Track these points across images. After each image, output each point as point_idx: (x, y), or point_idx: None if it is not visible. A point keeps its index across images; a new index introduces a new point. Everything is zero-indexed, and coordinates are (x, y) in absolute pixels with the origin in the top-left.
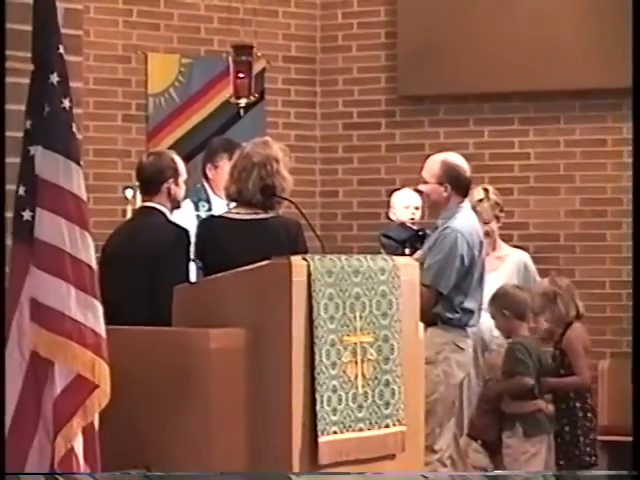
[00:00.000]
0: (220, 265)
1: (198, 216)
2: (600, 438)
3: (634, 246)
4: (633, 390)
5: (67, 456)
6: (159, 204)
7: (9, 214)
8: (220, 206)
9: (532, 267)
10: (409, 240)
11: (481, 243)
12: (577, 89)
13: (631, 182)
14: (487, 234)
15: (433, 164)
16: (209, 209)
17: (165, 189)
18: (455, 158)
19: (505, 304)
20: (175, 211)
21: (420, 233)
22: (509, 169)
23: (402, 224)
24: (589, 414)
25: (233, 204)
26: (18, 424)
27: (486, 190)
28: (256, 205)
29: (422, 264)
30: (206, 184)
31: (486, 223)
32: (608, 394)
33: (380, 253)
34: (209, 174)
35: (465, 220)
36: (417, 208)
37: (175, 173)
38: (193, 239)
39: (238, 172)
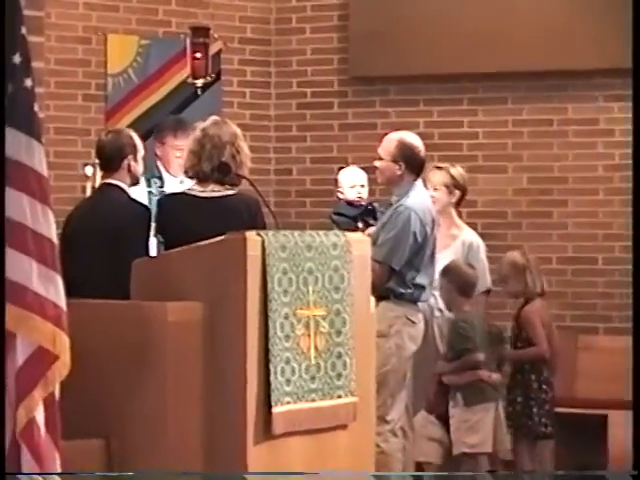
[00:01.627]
0: (181, 241)
1: (150, 192)
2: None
3: (634, 243)
4: (633, 391)
5: (29, 426)
6: (119, 180)
7: None
8: (171, 183)
9: (481, 248)
10: (360, 215)
11: (433, 221)
12: (524, 71)
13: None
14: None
15: (389, 142)
16: (161, 186)
17: (125, 165)
18: (411, 137)
19: (453, 278)
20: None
21: (370, 207)
22: (458, 148)
23: (351, 202)
24: (544, 386)
25: (188, 181)
26: None
27: (447, 168)
28: (215, 182)
29: (375, 240)
30: (158, 162)
31: (435, 190)
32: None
33: (332, 229)
34: (158, 152)
35: (418, 198)
36: (363, 186)
37: (134, 150)
38: (154, 215)
39: (199, 150)
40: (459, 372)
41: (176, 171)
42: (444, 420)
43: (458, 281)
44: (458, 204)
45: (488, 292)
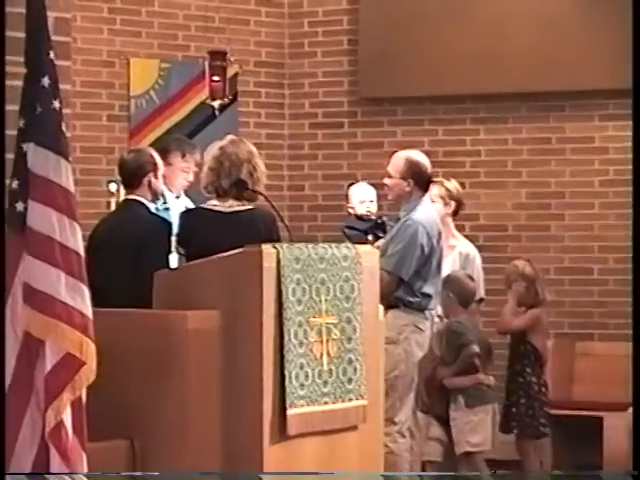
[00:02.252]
0: (201, 253)
1: (156, 208)
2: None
3: (634, 246)
4: (633, 392)
5: (57, 427)
6: (141, 196)
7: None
8: (172, 200)
9: (477, 259)
10: (370, 229)
11: (439, 233)
12: (523, 92)
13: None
14: None
15: (398, 160)
16: (164, 202)
17: (146, 182)
18: (418, 156)
19: (454, 289)
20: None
21: (379, 221)
22: (461, 165)
23: (360, 217)
24: (543, 388)
25: (184, 198)
26: (12, 398)
27: (441, 181)
28: (233, 198)
29: (384, 252)
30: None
31: (432, 202)
32: (551, 371)
33: (343, 242)
34: (164, 170)
35: (425, 212)
36: (372, 201)
37: (154, 167)
38: (174, 229)
39: (217, 168)
40: (459, 374)
41: (178, 189)
42: (443, 421)
43: (459, 292)
44: (454, 215)
45: (481, 301)
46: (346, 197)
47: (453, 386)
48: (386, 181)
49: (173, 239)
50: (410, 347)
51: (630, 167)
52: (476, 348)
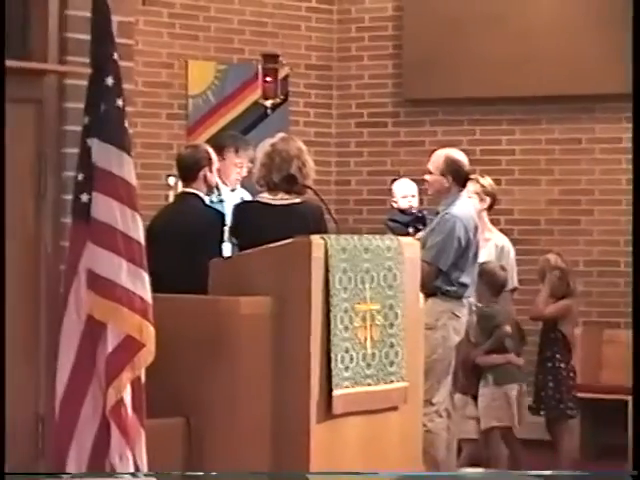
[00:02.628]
0: (253, 243)
1: (211, 201)
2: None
3: (634, 243)
4: (633, 393)
5: (117, 405)
6: (197, 189)
7: (68, 197)
8: (226, 192)
9: (511, 251)
10: (411, 222)
11: (476, 227)
12: (555, 95)
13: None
14: None
15: (438, 158)
16: (219, 194)
17: (201, 176)
18: (457, 154)
19: (487, 279)
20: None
21: (420, 215)
22: (497, 163)
23: (403, 210)
24: (571, 373)
25: (240, 190)
26: (74, 378)
27: (477, 178)
28: (284, 191)
29: (424, 244)
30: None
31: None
32: (580, 357)
33: (386, 234)
34: (218, 164)
35: (463, 207)
36: (414, 196)
37: (209, 162)
38: (228, 220)
39: (269, 163)
40: (490, 353)
41: (232, 183)
42: (474, 398)
43: (491, 282)
44: (489, 209)
45: (514, 290)
46: (389, 192)
47: (485, 363)
48: (426, 177)
49: (226, 230)
50: (447, 333)
51: None
52: (508, 328)
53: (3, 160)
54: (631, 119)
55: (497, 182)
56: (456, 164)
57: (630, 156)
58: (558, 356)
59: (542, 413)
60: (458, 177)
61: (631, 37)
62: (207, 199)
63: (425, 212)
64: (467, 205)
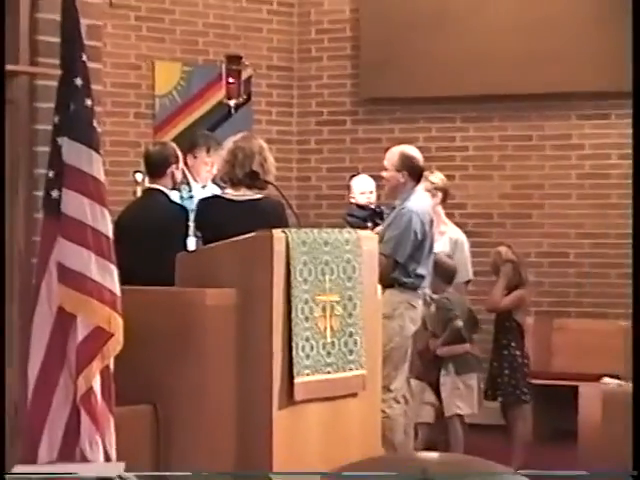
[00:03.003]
0: (217, 237)
1: (181, 197)
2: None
3: (634, 243)
4: (633, 392)
5: (87, 393)
6: (163, 186)
7: (39, 193)
8: (196, 188)
9: (465, 243)
10: (369, 216)
11: (431, 221)
12: (507, 94)
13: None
14: None
15: (393, 155)
16: (189, 191)
17: (169, 173)
18: (411, 150)
19: (436, 269)
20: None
21: (378, 210)
22: (452, 159)
23: (361, 206)
24: (525, 360)
25: (211, 186)
26: (46, 368)
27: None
28: (246, 187)
29: (382, 238)
30: (186, 171)
31: None
32: (532, 345)
33: (345, 227)
34: (189, 162)
35: (418, 202)
36: (371, 192)
37: (177, 160)
38: (193, 215)
39: (232, 160)
40: (448, 344)
41: (203, 180)
42: (434, 386)
43: (441, 270)
44: (443, 202)
45: (468, 282)
46: (348, 188)
47: (445, 354)
48: (383, 174)
49: (191, 224)
50: (404, 322)
51: (606, 162)
52: (460, 323)
53: (3, 159)
54: (610, 116)
55: (451, 177)
56: (410, 160)
57: (580, 152)
58: (513, 344)
59: (499, 399)
60: (413, 172)
61: (629, 37)
62: (173, 195)
63: (383, 207)
64: (423, 199)
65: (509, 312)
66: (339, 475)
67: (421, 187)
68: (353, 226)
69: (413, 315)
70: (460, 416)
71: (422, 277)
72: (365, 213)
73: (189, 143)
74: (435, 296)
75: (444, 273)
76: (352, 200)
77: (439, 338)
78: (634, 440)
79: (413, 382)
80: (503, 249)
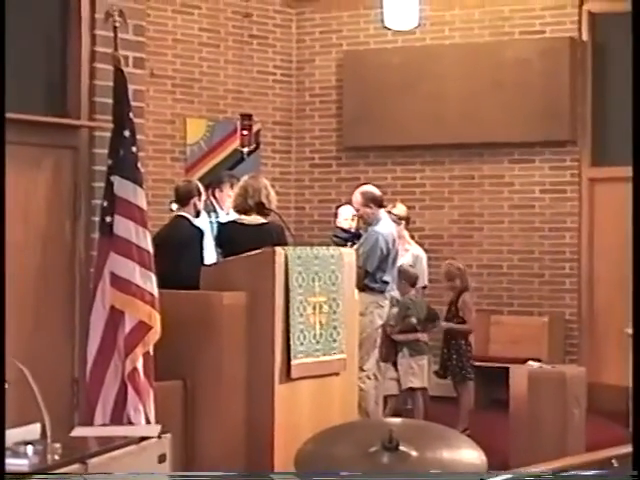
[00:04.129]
0: (233, 252)
1: (210, 222)
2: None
3: (634, 253)
4: (633, 392)
5: (132, 372)
6: (187, 212)
7: (96, 218)
8: (222, 215)
9: (423, 258)
10: (350, 238)
11: (394, 240)
12: (455, 142)
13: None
14: None
15: (357, 197)
16: (217, 217)
17: (192, 203)
18: (368, 188)
19: (403, 275)
20: (197, 218)
21: (356, 233)
22: (412, 193)
23: (344, 229)
24: (469, 347)
25: (232, 213)
26: (101, 352)
27: (390, 210)
28: (255, 214)
29: (358, 252)
30: (214, 201)
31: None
32: (474, 336)
33: (331, 245)
34: (216, 194)
35: (383, 226)
36: (352, 219)
37: (199, 193)
38: (215, 235)
39: (244, 193)
40: (404, 333)
41: (226, 208)
42: (395, 366)
43: (406, 277)
44: (407, 227)
45: (425, 287)
46: (335, 215)
47: (399, 340)
48: (355, 213)
49: (213, 242)
50: (373, 318)
51: (530, 195)
52: (414, 319)
53: (3, 169)
54: (534, 161)
55: (412, 207)
56: (372, 194)
57: (511, 188)
58: (460, 335)
59: (448, 378)
60: (376, 202)
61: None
62: (195, 220)
63: (361, 231)
64: (387, 224)
65: (457, 310)
66: (356, 476)
67: (384, 214)
68: (337, 244)
69: (380, 312)
70: (423, 390)
71: (387, 283)
72: (347, 235)
73: (216, 180)
74: (400, 298)
75: (408, 279)
76: (338, 224)
77: (396, 327)
78: (634, 440)
79: (381, 364)
80: (454, 262)
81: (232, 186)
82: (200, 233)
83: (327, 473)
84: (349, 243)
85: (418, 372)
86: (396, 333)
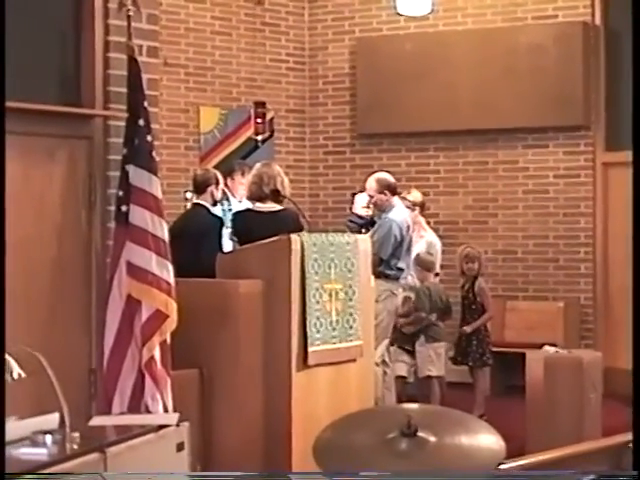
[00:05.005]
0: (249, 240)
1: (223, 210)
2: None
3: (634, 246)
4: (633, 392)
5: (149, 360)
6: (204, 201)
7: (112, 207)
8: (235, 203)
9: (437, 244)
10: (365, 224)
11: (408, 227)
12: (469, 129)
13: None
14: None
15: (371, 184)
16: (229, 205)
17: (209, 192)
18: (382, 175)
19: (420, 262)
20: (215, 207)
21: (372, 220)
22: (427, 180)
23: (360, 216)
24: (488, 333)
25: (245, 201)
26: (118, 341)
27: (404, 197)
28: (270, 202)
29: (372, 240)
30: (226, 189)
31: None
32: (490, 321)
33: (346, 232)
34: (229, 183)
35: (397, 213)
36: (368, 207)
37: (216, 182)
38: (231, 224)
39: (259, 181)
40: (414, 325)
41: (239, 196)
42: (408, 352)
43: (424, 264)
44: (422, 213)
45: (437, 274)
46: (351, 202)
47: (409, 332)
48: (371, 199)
49: (229, 231)
50: (387, 305)
51: (544, 180)
52: (423, 314)
53: (3, 164)
54: (548, 146)
55: (427, 194)
56: (386, 181)
57: (525, 173)
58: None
59: (469, 364)
60: (390, 189)
61: (563, 83)
62: (215, 208)
63: (376, 217)
64: (401, 211)
65: (474, 297)
66: (377, 476)
67: (398, 201)
68: (352, 230)
69: (395, 300)
70: (439, 377)
71: (402, 269)
72: (362, 221)
73: (228, 169)
74: (419, 285)
75: (425, 265)
76: (354, 211)
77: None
78: (634, 440)
79: (392, 349)
80: (469, 248)
81: (243, 174)
82: (219, 221)
83: (345, 473)
84: (363, 229)
85: (436, 360)
86: (407, 325)
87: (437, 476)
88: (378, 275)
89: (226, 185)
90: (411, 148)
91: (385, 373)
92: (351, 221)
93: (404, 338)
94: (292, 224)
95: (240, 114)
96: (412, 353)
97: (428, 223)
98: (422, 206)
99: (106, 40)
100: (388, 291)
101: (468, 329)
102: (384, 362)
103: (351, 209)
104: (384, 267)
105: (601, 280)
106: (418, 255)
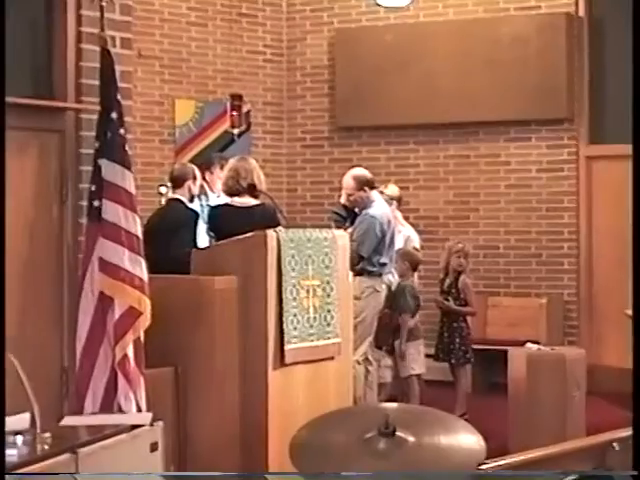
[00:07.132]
0: (225, 236)
1: (201, 205)
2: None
3: (634, 247)
4: (633, 391)
5: (123, 359)
6: (181, 195)
7: (84, 203)
8: (213, 197)
9: (415, 239)
10: (349, 216)
11: (389, 221)
12: (450, 122)
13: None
14: None
15: (348, 181)
16: (207, 199)
17: (186, 186)
18: (359, 170)
19: (407, 258)
20: (192, 202)
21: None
22: (407, 174)
23: (347, 207)
24: (469, 330)
25: (223, 196)
26: (90, 339)
27: (382, 191)
28: (247, 196)
29: (351, 237)
30: (204, 184)
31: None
32: (471, 318)
33: (325, 227)
34: (207, 177)
35: (377, 207)
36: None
37: (193, 177)
38: (207, 218)
39: (236, 175)
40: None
41: (217, 191)
42: (390, 352)
43: (411, 261)
44: (399, 208)
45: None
46: (339, 189)
47: (409, 326)
48: (350, 198)
49: (205, 226)
50: (369, 303)
51: (527, 175)
52: (408, 316)
53: (3, 164)
54: (530, 139)
55: (406, 188)
56: (364, 178)
57: (507, 167)
58: (461, 318)
59: (452, 361)
60: (369, 185)
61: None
62: (190, 204)
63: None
64: (381, 205)
65: (458, 292)
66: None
67: (378, 195)
68: (336, 221)
69: (377, 297)
70: (418, 375)
71: (384, 264)
72: (347, 213)
73: (206, 162)
74: (402, 282)
75: (413, 263)
76: (342, 201)
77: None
78: (634, 440)
79: (376, 350)
80: (459, 242)
81: (222, 168)
82: (195, 215)
83: (323, 473)
84: (347, 223)
85: (417, 358)
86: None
87: (415, 477)
88: (360, 272)
89: (204, 179)
90: (391, 141)
91: (368, 371)
92: (335, 212)
93: (386, 337)
94: (269, 219)
95: (216, 107)
96: (391, 352)
97: (407, 218)
98: (399, 200)
99: (78, 31)
100: (371, 288)
101: (447, 303)
102: (367, 360)
103: (339, 196)
104: (366, 264)
105: (585, 276)
106: (408, 251)
